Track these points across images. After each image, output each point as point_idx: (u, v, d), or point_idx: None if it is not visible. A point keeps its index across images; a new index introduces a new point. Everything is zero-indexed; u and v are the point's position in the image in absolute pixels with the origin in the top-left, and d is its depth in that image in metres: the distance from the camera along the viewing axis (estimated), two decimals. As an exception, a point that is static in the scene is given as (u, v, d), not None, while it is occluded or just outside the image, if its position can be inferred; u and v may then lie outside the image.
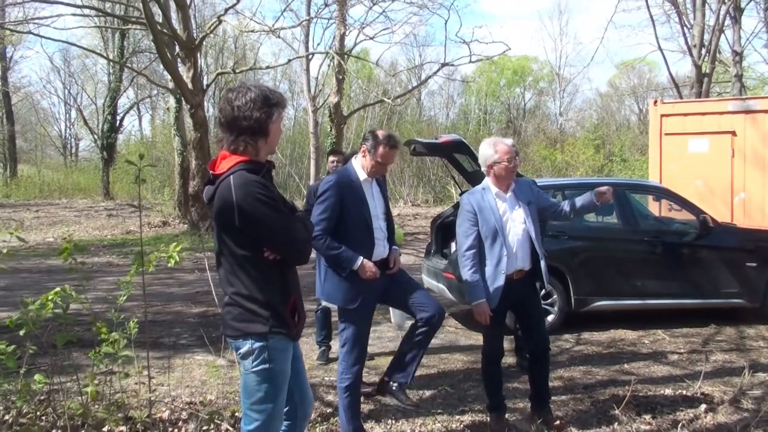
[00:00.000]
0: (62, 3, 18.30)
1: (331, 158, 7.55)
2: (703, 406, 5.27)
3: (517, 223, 4.84)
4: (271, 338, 3.05)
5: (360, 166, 4.80)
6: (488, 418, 5.03)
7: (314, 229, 4.32)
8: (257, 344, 3.04)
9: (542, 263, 4.90)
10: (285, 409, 3.25)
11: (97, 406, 4.46)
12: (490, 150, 4.86)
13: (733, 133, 11.61)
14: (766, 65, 25.40)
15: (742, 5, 21.95)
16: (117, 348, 4.28)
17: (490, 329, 4.95)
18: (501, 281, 4.75)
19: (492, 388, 5.01)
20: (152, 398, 4.79)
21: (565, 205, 5.09)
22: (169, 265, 4.48)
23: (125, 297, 4.50)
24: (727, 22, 20.81)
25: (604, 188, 4.85)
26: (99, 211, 25.28)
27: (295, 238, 3.07)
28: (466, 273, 4.79)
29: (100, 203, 28.05)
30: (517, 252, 4.81)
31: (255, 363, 3.05)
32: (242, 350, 3.07)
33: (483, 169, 4.96)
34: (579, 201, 4.99)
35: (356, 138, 33.23)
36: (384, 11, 21.75)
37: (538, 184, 6.52)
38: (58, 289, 4.14)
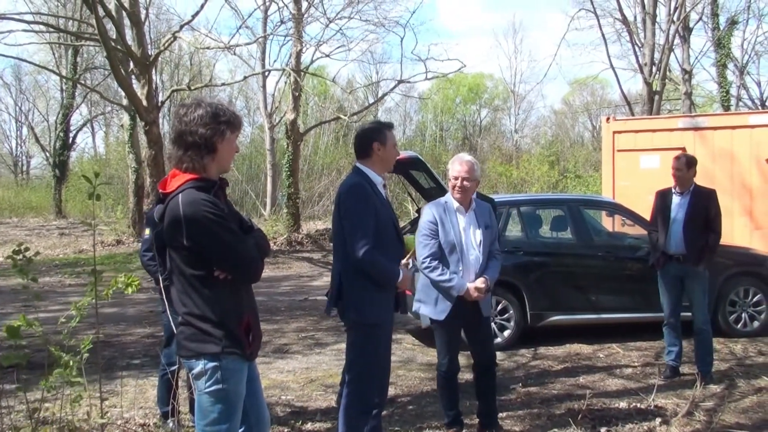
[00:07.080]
0: (13, 19, 17.99)
1: None
2: (657, 419, 5.34)
3: (473, 242, 4.89)
4: (225, 358, 3.00)
5: (372, 168, 4.31)
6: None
7: (362, 246, 4.03)
8: (210, 364, 2.99)
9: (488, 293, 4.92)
10: (240, 431, 3.20)
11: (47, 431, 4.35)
12: (449, 166, 4.94)
13: (683, 150, 11.83)
14: (714, 83, 26.00)
15: (691, 25, 22.54)
16: (67, 373, 4.17)
17: (445, 344, 4.95)
18: (453, 297, 4.79)
19: (448, 403, 5.03)
20: (104, 421, 4.69)
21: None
22: (127, 293, 4.42)
23: (78, 320, 4.40)
24: (677, 41, 21.36)
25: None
26: (51, 230, 24.75)
27: (245, 256, 3.04)
28: (435, 275, 4.77)
29: (52, 222, 27.43)
30: (471, 269, 4.85)
31: (208, 383, 3.00)
32: (195, 371, 3.03)
33: (444, 182, 5.01)
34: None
35: (313, 155, 33.11)
36: (341, 29, 21.77)
37: (495, 200, 6.60)
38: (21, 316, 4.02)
